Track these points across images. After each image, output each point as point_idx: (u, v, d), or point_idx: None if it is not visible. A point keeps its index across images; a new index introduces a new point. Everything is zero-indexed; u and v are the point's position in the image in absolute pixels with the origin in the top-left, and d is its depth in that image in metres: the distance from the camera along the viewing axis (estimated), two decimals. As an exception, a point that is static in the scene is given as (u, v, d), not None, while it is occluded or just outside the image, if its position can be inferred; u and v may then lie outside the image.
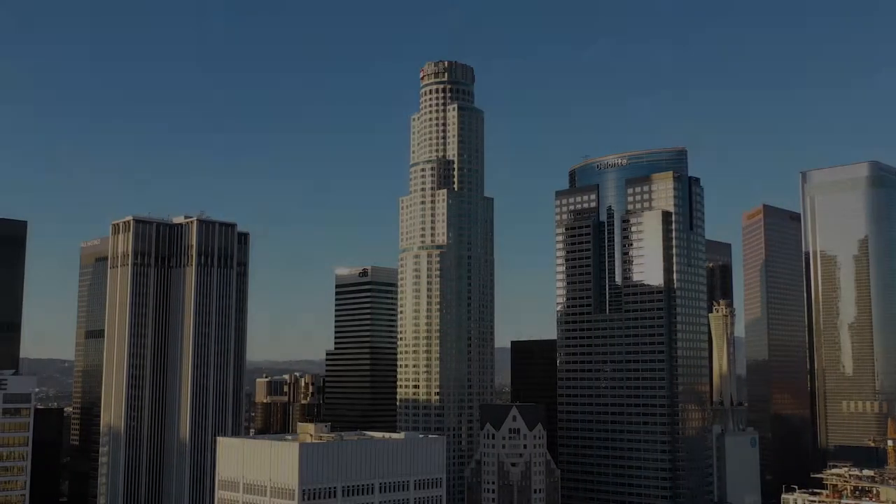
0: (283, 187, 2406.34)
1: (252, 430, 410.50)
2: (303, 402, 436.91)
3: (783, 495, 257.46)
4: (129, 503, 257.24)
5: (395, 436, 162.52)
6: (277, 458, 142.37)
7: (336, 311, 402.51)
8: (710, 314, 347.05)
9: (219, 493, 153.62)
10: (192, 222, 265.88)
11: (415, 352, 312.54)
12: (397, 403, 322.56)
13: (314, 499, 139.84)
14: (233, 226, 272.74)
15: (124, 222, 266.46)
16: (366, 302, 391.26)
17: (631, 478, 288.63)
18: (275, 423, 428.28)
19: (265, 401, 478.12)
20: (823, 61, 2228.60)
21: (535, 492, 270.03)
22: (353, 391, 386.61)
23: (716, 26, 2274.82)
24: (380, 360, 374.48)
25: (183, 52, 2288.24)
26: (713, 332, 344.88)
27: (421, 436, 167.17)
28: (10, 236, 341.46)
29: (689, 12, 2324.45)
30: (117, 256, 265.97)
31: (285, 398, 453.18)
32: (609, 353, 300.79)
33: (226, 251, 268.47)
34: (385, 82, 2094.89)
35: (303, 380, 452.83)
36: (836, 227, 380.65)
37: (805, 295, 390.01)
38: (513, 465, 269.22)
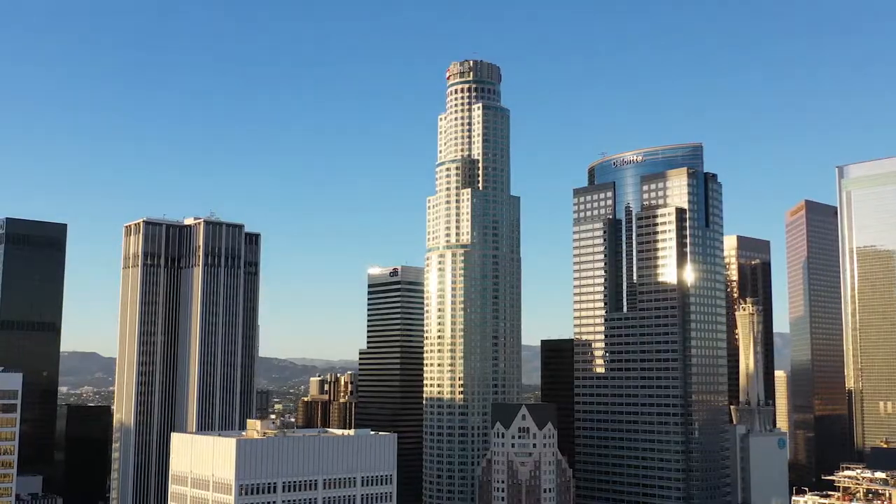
0: (315, 189, 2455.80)
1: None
2: (342, 400, 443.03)
3: (794, 497, 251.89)
4: (140, 497, 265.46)
5: (349, 433, 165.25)
6: (219, 454, 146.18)
7: (368, 310, 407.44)
8: (737, 313, 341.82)
9: (171, 488, 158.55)
10: (199, 224, 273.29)
11: (439, 351, 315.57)
12: (423, 402, 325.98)
13: (252, 493, 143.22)
14: (240, 227, 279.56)
15: (135, 224, 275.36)
16: (396, 301, 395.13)
17: (646, 478, 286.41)
18: (315, 421, 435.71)
19: (307, 399, 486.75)
20: (856, 56, 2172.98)
21: (545, 491, 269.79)
22: (384, 390, 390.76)
23: (752, 22, 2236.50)
24: (409, 360, 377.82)
25: (209, 52, 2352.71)
26: (740, 332, 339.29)
27: (372, 433, 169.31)
28: (50, 239, 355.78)
29: (717, 9, 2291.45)
30: (129, 257, 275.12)
31: (326, 397, 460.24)
32: (625, 352, 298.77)
33: (233, 251, 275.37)
34: (420, 80, 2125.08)
35: (342, 378, 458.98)
36: (874, 222, 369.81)
37: (842, 292, 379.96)
38: (522, 464, 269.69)
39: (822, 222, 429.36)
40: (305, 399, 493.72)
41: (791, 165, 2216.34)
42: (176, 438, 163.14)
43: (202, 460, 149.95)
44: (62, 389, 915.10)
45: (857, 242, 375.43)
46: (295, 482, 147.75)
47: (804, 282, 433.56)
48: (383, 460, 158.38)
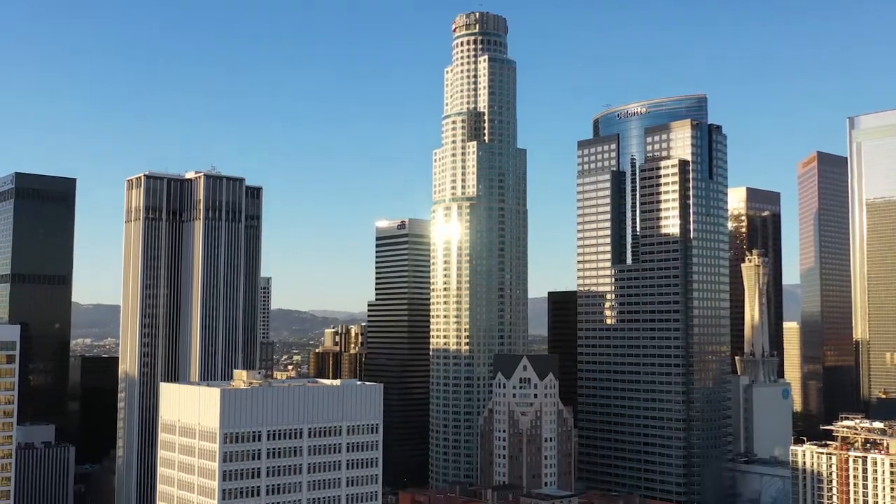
0: (325, 143, 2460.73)
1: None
2: (352, 351, 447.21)
3: (791, 447, 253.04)
4: (145, 446, 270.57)
5: (336, 383, 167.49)
6: (204, 403, 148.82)
7: (376, 262, 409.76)
8: (742, 265, 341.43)
9: (160, 436, 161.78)
10: (199, 178, 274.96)
11: (445, 303, 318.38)
12: (430, 353, 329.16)
13: (237, 442, 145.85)
14: (241, 180, 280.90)
15: (136, 178, 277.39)
16: (403, 254, 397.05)
17: (648, 427, 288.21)
18: (326, 372, 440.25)
19: (318, 350, 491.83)
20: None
21: (546, 440, 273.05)
22: (392, 341, 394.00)
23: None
24: (417, 312, 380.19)
25: (212, 6, 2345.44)
26: (745, 283, 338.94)
27: (358, 383, 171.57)
28: (59, 193, 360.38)
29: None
30: (131, 211, 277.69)
31: (338, 348, 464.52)
32: (628, 303, 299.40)
33: (234, 205, 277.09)
34: (427, 33, 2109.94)
35: (353, 330, 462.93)
36: (885, 173, 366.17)
37: (851, 243, 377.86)
38: (523, 413, 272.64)
39: (833, 174, 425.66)
40: (317, 350, 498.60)
41: (804, 117, 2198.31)
42: (164, 388, 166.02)
43: (189, 409, 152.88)
44: (86, 341, 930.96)
45: (867, 194, 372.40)
46: (280, 431, 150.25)
47: (815, 233, 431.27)
48: (370, 410, 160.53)
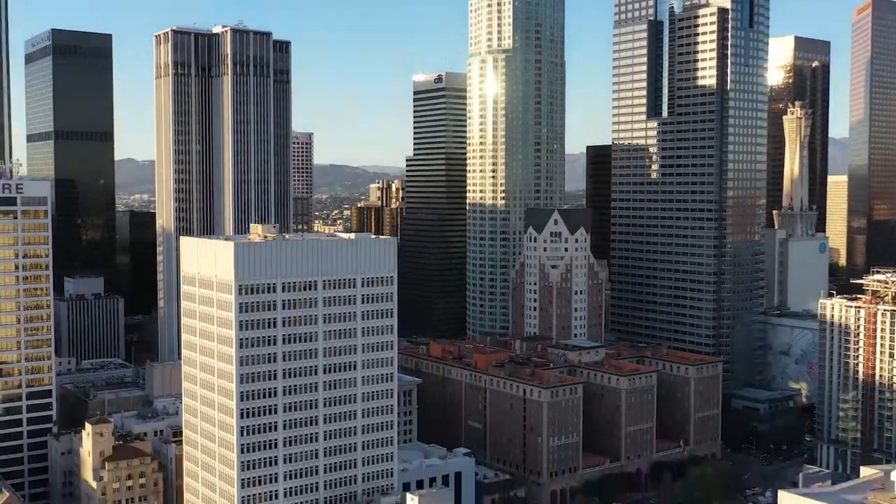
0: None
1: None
2: (393, 206, 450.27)
3: (820, 301, 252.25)
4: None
5: (350, 237, 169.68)
6: (220, 256, 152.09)
7: (414, 117, 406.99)
8: (784, 117, 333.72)
9: (183, 288, 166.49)
10: (226, 32, 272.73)
11: (481, 157, 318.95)
12: (467, 208, 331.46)
13: (252, 293, 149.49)
14: (268, 34, 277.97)
15: (164, 34, 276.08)
16: (441, 108, 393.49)
17: (679, 281, 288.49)
18: (368, 227, 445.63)
19: (360, 205, 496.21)
20: None
21: (577, 293, 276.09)
22: (430, 196, 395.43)
23: None
24: (454, 166, 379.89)
25: None
26: (787, 136, 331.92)
27: (372, 237, 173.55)
28: (96, 49, 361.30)
29: None
30: (160, 66, 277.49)
31: (380, 203, 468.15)
32: (662, 157, 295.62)
33: (262, 60, 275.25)
34: None
35: (394, 185, 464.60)
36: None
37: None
38: (553, 266, 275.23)
39: (889, 21, 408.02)
40: (359, 205, 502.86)
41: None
42: (184, 242, 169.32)
43: (207, 262, 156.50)
44: (143, 197, 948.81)
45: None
46: (294, 283, 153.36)
47: (866, 85, 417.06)
48: (384, 262, 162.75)
